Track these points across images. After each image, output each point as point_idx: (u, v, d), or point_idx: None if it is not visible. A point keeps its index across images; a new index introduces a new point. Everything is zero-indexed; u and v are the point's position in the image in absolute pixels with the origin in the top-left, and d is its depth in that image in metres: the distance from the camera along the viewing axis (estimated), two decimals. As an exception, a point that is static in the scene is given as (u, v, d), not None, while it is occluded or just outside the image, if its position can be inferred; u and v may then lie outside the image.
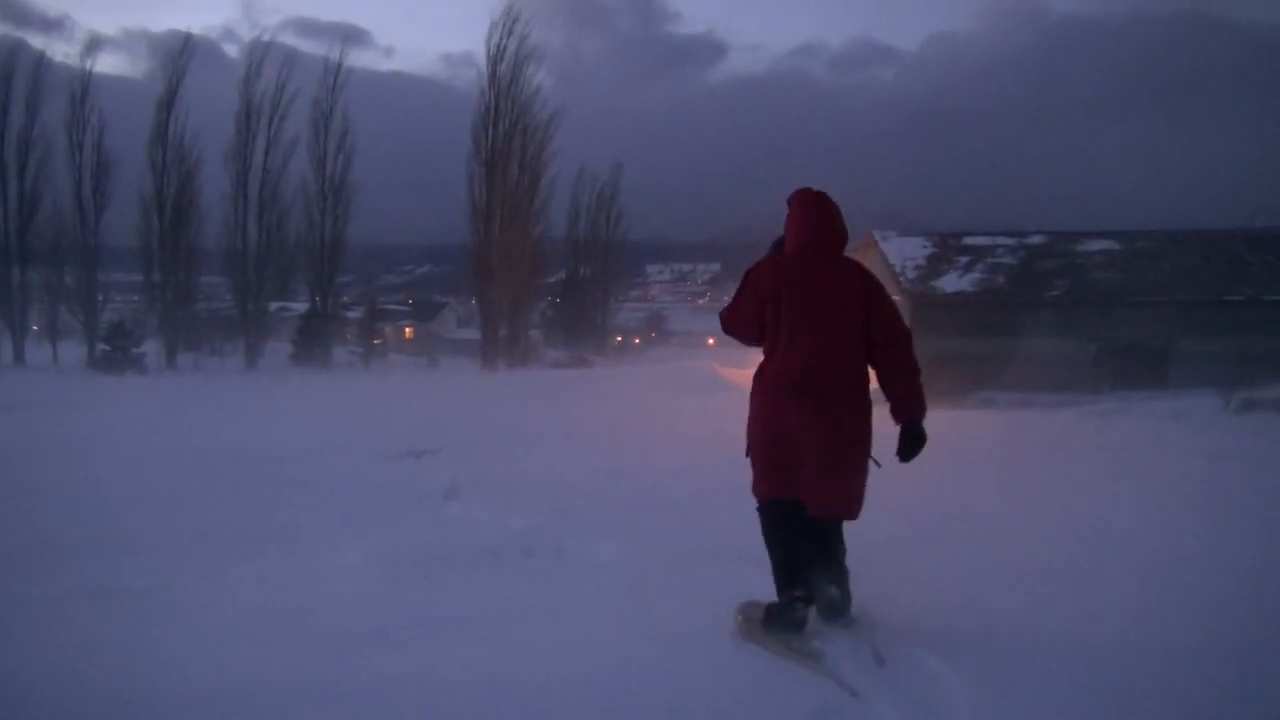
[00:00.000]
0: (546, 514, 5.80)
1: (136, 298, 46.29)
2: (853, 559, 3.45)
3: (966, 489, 7.28)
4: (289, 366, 41.58)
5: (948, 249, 28.44)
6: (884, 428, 3.43)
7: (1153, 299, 25.55)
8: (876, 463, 3.39)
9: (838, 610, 3.34)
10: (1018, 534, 5.31)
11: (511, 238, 44.58)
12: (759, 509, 3.46)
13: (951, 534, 5.23)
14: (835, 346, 3.30)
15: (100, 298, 42.74)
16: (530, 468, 8.30)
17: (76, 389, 23.26)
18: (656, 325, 78.47)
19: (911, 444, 3.34)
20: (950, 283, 26.92)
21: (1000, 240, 28.90)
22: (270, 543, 4.56)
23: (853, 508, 3.33)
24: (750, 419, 3.45)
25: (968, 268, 27.56)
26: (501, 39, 44.30)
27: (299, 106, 43.22)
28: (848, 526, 3.44)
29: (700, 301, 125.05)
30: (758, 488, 3.44)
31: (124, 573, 3.93)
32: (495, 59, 44.23)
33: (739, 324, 3.51)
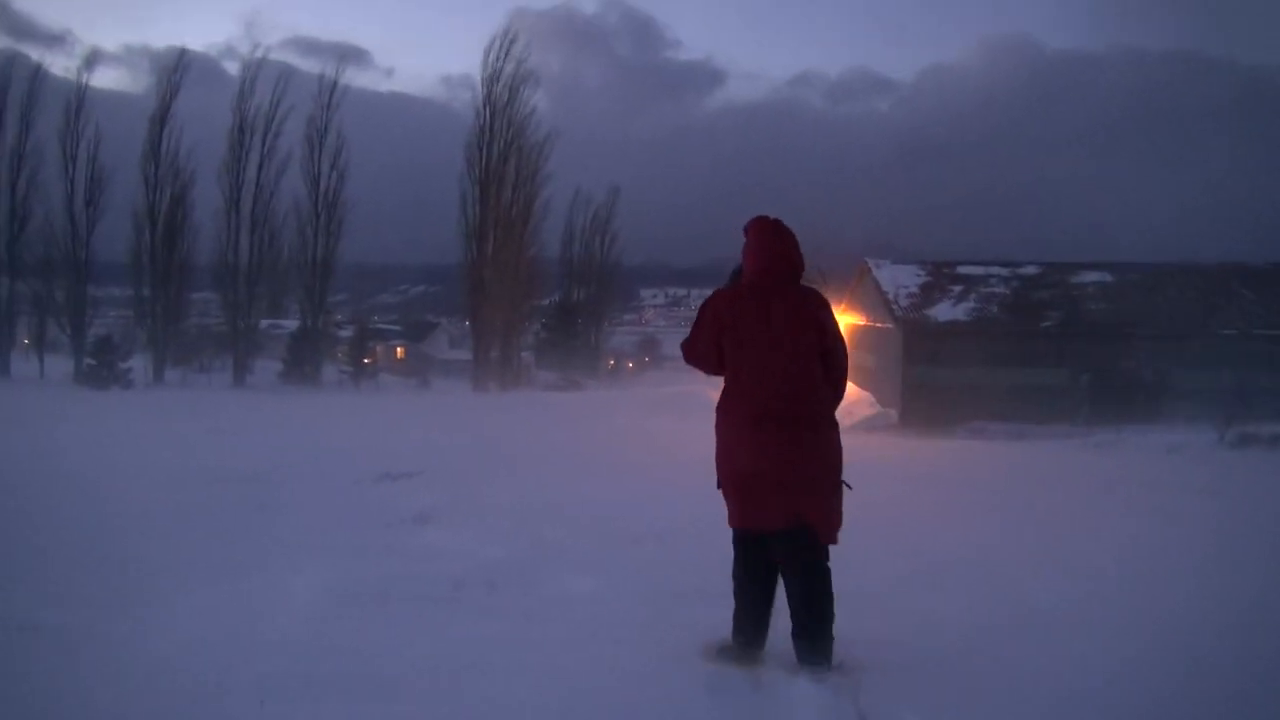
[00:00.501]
0: (520, 543, 5.51)
1: (126, 312, 45.91)
2: (845, 599, 3.25)
3: (965, 525, 7.04)
4: (278, 384, 41.16)
5: (941, 278, 28.33)
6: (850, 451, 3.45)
7: (1146, 331, 25.45)
8: (848, 485, 3.37)
9: (820, 657, 3.18)
10: (1017, 574, 5.04)
11: (504, 258, 44.48)
12: (733, 540, 3.45)
13: (951, 574, 4.96)
14: (796, 374, 3.30)
15: (89, 312, 42.37)
16: (510, 493, 8.01)
17: (56, 403, 22.91)
18: (650, 349, 78.11)
19: None
20: (944, 311, 26.78)
21: (994, 270, 28.80)
22: (220, 571, 4.24)
23: (833, 530, 3.31)
24: (717, 451, 3.41)
25: (961, 297, 27.44)
26: (498, 60, 44.42)
27: (294, 124, 43.16)
28: (843, 564, 3.31)
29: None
30: (730, 519, 3.42)
31: (48, 604, 3.61)
32: (491, 80, 44.34)
33: (699, 354, 3.50)
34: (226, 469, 9.38)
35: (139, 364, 38.93)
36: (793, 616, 3.23)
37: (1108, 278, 28.21)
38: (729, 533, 3.42)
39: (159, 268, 41.52)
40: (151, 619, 3.40)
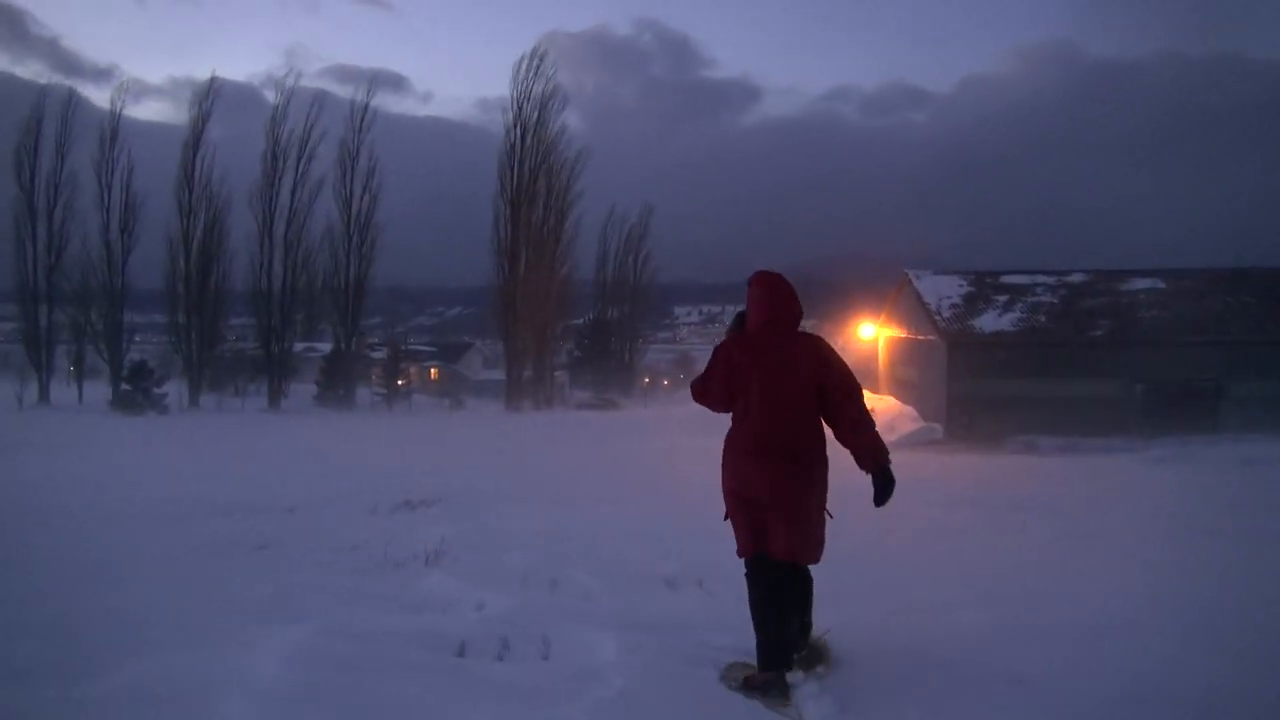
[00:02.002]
0: (538, 590, 4.87)
1: (162, 338, 46.16)
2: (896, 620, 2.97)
3: (1026, 548, 6.31)
4: (312, 407, 40.96)
5: (985, 287, 27.32)
6: (840, 479, 3.69)
7: (1201, 339, 24.28)
8: (829, 514, 3.70)
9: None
10: (1083, 598, 4.32)
11: (536, 277, 44.09)
12: (745, 572, 3.71)
13: (1009, 596, 4.27)
14: (794, 413, 3.64)
15: (125, 338, 42.63)
16: (534, 523, 7.38)
17: (85, 429, 22.76)
18: (685, 367, 77.31)
19: (883, 489, 3.57)
20: (989, 322, 25.77)
21: (1040, 279, 27.70)
22: (180, 632, 3.62)
23: (815, 552, 3.64)
24: (723, 483, 3.76)
25: (1006, 307, 26.40)
26: (528, 78, 44.22)
27: (328, 148, 43.23)
28: (911, 591, 3.92)
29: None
30: (741, 549, 3.72)
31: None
32: (521, 98, 44.12)
33: (709, 394, 3.87)
34: (237, 501, 8.87)
35: (175, 389, 38.97)
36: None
37: (1159, 284, 27.02)
38: None
39: (193, 293, 41.67)
40: (69, 704, 2.77)
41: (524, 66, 44.33)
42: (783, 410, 3.61)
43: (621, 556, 5.84)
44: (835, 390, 3.66)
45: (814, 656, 3.73)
